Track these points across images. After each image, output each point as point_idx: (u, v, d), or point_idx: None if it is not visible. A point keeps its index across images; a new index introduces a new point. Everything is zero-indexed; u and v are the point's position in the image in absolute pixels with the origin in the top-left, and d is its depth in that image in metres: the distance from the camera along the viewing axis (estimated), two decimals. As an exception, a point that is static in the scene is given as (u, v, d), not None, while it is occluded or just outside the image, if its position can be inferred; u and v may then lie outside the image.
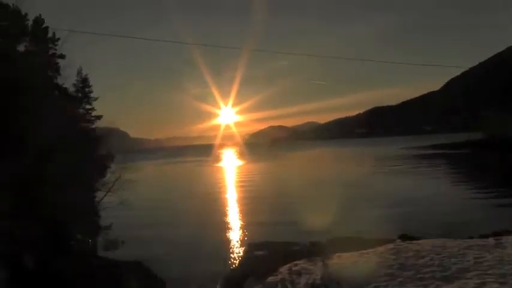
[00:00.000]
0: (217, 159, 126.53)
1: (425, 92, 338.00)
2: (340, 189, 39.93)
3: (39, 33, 26.07)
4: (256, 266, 12.56)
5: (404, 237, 14.93)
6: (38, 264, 15.84)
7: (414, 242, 12.98)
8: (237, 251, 17.27)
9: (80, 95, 25.69)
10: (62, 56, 26.25)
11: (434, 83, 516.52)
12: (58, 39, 26.60)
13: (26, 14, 23.04)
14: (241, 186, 50.17)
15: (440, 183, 45.22)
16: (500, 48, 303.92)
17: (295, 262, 11.69)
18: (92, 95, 25.78)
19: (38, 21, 24.23)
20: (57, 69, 26.45)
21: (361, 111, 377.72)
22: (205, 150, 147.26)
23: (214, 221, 27.38)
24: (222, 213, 30.82)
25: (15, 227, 17.42)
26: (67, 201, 21.59)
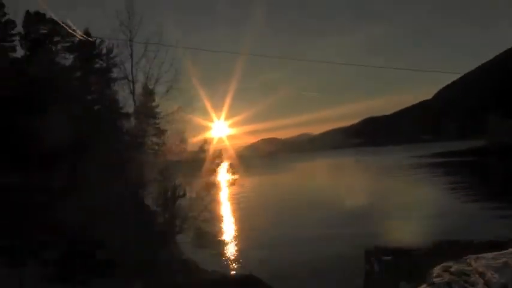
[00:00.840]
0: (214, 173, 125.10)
1: (418, 100, 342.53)
2: (375, 200, 40.39)
3: (86, 49, 26.61)
4: (397, 270, 12.95)
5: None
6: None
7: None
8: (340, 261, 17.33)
9: (145, 109, 26.08)
10: (110, 70, 26.73)
11: (426, 92, 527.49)
12: (105, 54, 27.16)
13: (75, 30, 23.46)
14: (261, 202, 49.78)
15: (463, 191, 45.75)
16: (489, 56, 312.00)
17: (443, 264, 12.09)
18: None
19: (86, 35, 24.69)
20: (108, 84, 26.86)
21: (355, 121, 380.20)
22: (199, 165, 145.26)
23: (282, 235, 27.45)
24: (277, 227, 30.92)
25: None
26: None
